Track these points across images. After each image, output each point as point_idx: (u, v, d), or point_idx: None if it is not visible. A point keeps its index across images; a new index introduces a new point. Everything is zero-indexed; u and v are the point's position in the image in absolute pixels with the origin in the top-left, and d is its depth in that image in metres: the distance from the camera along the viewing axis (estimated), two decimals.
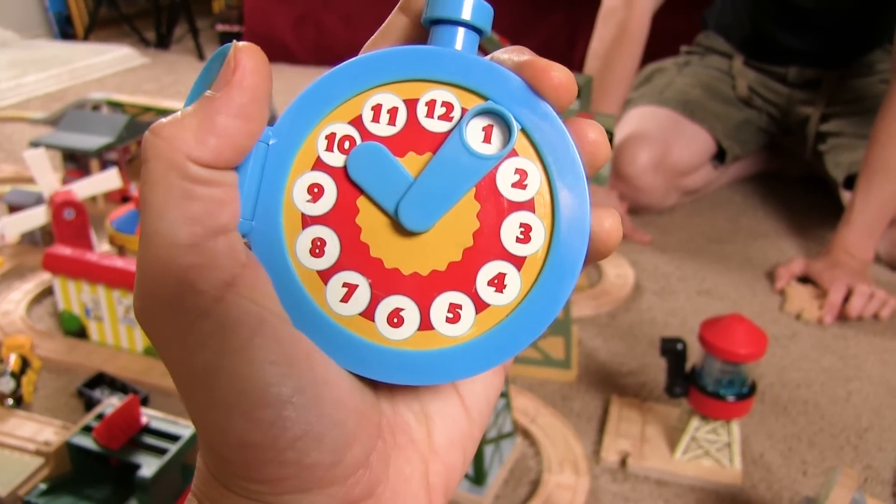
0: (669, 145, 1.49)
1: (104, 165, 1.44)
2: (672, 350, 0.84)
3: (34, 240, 1.29)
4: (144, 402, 0.92)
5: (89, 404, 0.92)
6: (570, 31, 2.42)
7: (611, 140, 0.90)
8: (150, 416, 0.76)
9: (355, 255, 0.22)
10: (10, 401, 0.91)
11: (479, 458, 0.80)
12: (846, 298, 1.21)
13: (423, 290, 0.22)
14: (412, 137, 0.22)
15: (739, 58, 1.63)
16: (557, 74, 0.22)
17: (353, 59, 0.23)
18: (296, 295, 0.22)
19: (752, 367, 0.82)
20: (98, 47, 2.80)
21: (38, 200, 1.25)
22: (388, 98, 0.22)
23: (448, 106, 0.22)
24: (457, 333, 0.22)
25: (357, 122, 0.22)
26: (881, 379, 1.06)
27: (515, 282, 0.22)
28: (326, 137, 0.22)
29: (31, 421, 0.87)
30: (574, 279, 0.22)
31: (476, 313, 0.22)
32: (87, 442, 0.73)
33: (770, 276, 1.33)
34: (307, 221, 0.22)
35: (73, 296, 1.03)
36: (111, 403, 0.78)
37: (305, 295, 0.22)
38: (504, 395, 0.84)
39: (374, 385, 0.23)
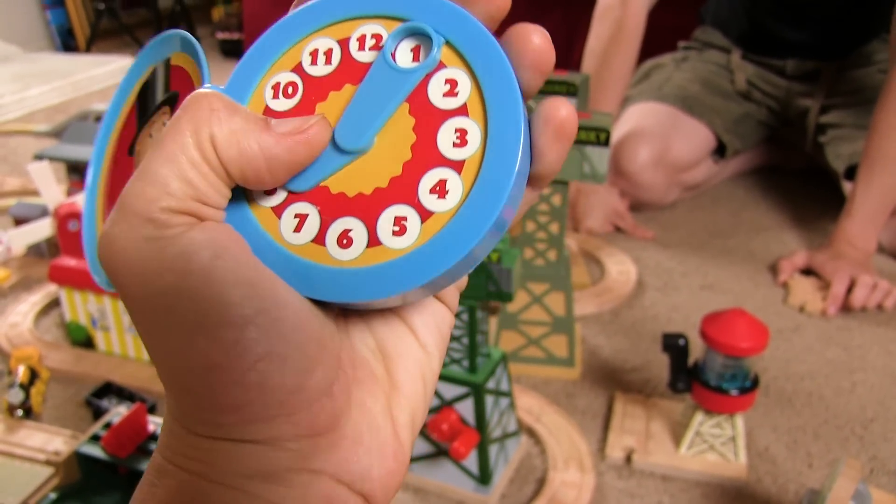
0: (669, 141, 1.49)
1: None
2: (674, 346, 0.85)
3: (40, 252, 1.30)
4: (152, 409, 0.93)
5: (97, 413, 0.93)
6: (568, 30, 2.42)
7: (608, 138, 0.90)
8: (157, 423, 0.77)
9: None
10: (20, 412, 0.92)
11: (484, 458, 0.80)
12: (849, 289, 1.21)
13: (369, 208, 0.23)
14: (347, 71, 0.24)
15: (737, 52, 1.63)
16: (537, 35, 0.23)
17: (288, 13, 0.25)
18: (252, 232, 0.23)
19: (754, 361, 0.82)
20: (100, 59, 2.81)
21: (44, 213, 1.26)
22: (323, 42, 0.24)
23: (377, 37, 0.24)
24: (404, 245, 0.22)
25: (298, 69, 0.24)
26: (886, 369, 1.06)
27: (457, 185, 0.22)
28: (272, 87, 0.24)
29: (40, 431, 0.88)
30: (512, 172, 0.22)
31: (421, 222, 0.22)
32: (96, 451, 0.74)
33: (773, 269, 1.34)
34: None
35: (80, 306, 1.04)
36: (119, 412, 0.79)
37: (260, 229, 0.23)
38: (508, 394, 0.85)
39: (332, 322, 0.24)
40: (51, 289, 1.19)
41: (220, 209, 0.22)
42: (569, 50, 2.41)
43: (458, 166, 0.22)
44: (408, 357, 0.25)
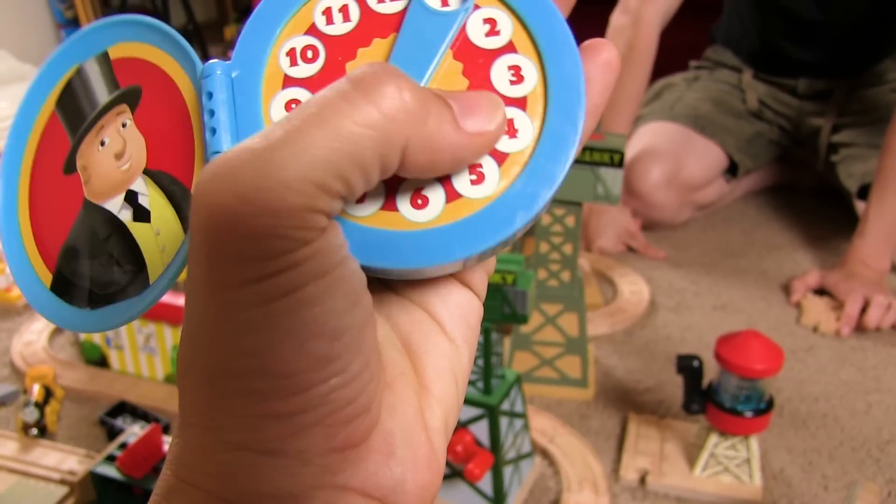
0: (681, 161, 1.49)
1: None
2: (688, 367, 0.84)
3: None
4: (166, 429, 0.93)
5: (111, 433, 0.93)
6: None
7: (622, 160, 0.91)
8: None
9: None
10: (35, 430, 0.92)
11: (498, 479, 0.80)
12: (863, 310, 1.20)
13: None
14: (371, 25, 0.22)
15: (748, 71, 1.63)
16: None
17: None
18: None
19: (769, 382, 0.82)
20: None
21: None
22: None
23: None
24: (488, 192, 0.21)
25: (313, 31, 0.22)
26: None
27: (525, 123, 0.21)
28: (287, 54, 0.22)
29: (55, 450, 0.89)
30: (582, 97, 0.21)
31: (499, 166, 0.21)
32: (111, 471, 0.74)
33: (786, 288, 1.33)
34: None
35: None
36: (134, 432, 0.79)
37: None
38: (522, 415, 0.84)
39: None
40: None
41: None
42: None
43: (520, 103, 0.21)
44: (436, 353, 0.23)
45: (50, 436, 0.94)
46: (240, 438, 0.20)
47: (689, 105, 1.60)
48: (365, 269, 0.20)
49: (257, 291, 0.18)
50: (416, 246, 0.20)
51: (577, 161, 0.93)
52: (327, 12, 0.22)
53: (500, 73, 0.21)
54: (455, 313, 0.24)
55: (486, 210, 0.20)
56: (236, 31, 3.12)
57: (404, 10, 0.22)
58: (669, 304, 1.28)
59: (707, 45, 1.75)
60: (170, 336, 1.00)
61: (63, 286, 0.24)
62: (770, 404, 0.82)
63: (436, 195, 0.21)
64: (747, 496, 0.84)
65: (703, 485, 0.86)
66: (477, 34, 0.22)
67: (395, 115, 0.18)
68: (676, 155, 1.49)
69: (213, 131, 0.21)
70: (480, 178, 0.21)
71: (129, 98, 0.25)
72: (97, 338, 1.05)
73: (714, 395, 0.83)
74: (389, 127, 0.18)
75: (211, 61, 0.22)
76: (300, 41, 0.22)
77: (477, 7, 0.22)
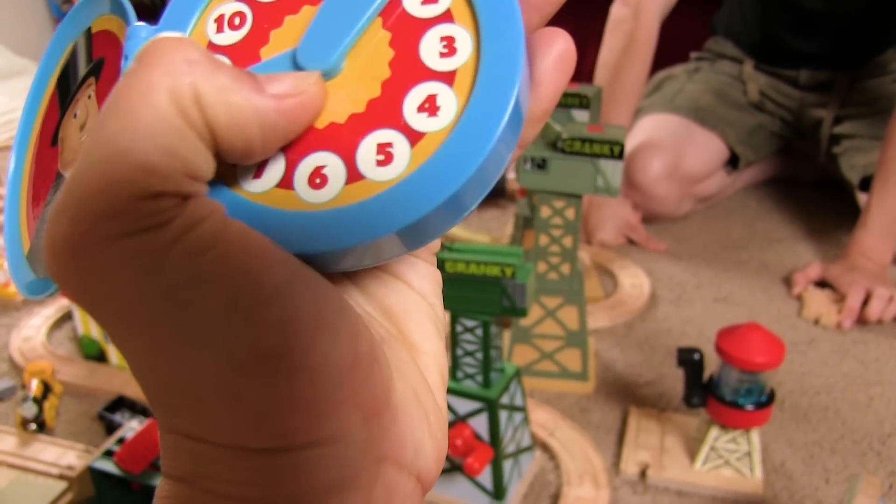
0: (682, 153, 1.49)
1: None
2: (689, 360, 0.84)
3: None
4: None
5: (110, 428, 0.93)
6: (579, 41, 2.40)
7: (622, 151, 0.90)
8: None
9: None
10: (33, 426, 0.92)
11: (498, 473, 0.80)
12: (865, 302, 1.20)
13: (345, 138, 0.19)
14: None
15: (750, 62, 1.62)
16: None
17: None
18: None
19: (770, 375, 0.82)
20: None
21: None
22: None
23: None
24: (393, 175, 0.19)
25: None
26: None
27: (450, 99, 0.19)
28: (215, 21, 0.21)
29: (53, 445, 0.88)
30: (516, 77, 0.19)
31: (411, 147, 0.19)
32: (109, 466, 0.74)
33: (787, 281, 1.33)
34: None
35: (92, 320, 1.04)
36: (132, 427, 0.79)
37: (215, 182, 0.19)
38: (522, 409, 0.84)
39: None
40: (63, 302, 1.20)
41: (206, 183, 0.18)
42: (580, 61, 2.40)
43: (448, 78, 0.19)
44: (415, 311, 0.23)
45: (48, 431, 0.93)
46: (273, 441, 0.18)
47: (689, 97, 1.59)
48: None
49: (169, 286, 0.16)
50: (308, 229, 0.18)
51: (577, 153, 0.93)
52: None
53: (430, 43, 0.19)
54: (421, 272, 0.23)
55: (386, 194, 0.18)
56: None
57: None
58: (670, 296, 1.27)
59: (708, 37, 1.74)
60: None
61: (34, 254, 0.24)
62: (771, 397, 0.82)
63: (336, 175, 0.19)
64: (748, 490, 0.84)
65: (703, 478, 0.85)
66: (413, 2, 0.20)
67: (175, 67, 0.17)
68: (677, 147, 1.49)
69: None
70: (388, 159, 0.19)
71: (95, 70, 0.24)
72: (96, 333, 1.05)
73: (715, 389, 0.83)
74: (171, 82, 0.16)
75: (136, 24, 0.21)
76: (229, 7, 0.21)
77: None
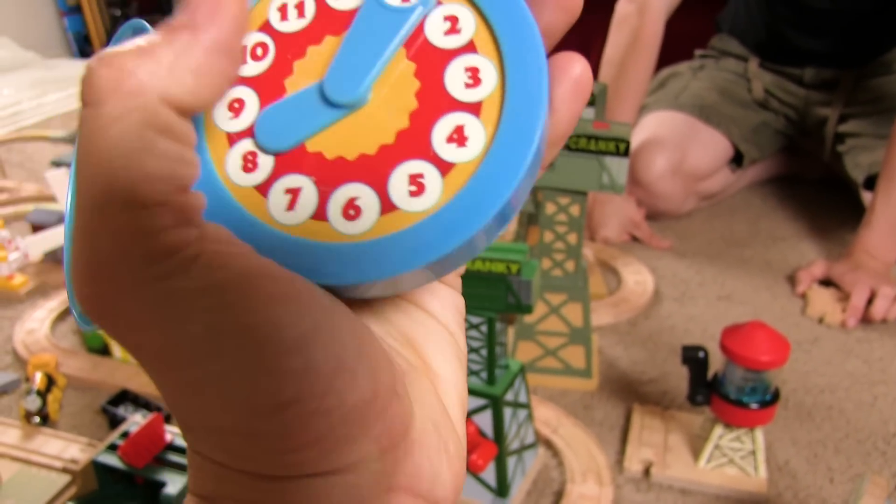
0: (686, 150, 1.49)
1: None
2: (694, 358, 0.84)
3: (57, 258, 1.31)
4: (168, 418, 0.93)
5: (113, 421, 0.93)
6: (583, 38, 2.41)
7: (627, 148, 0.90)
8: (174, 433, 0.77)
9: (291, 157, 0.20)
10: (37, 419, 0.92)
11: (502, 470, 0.79)
12: (869, 301, 1.20)
13: (376, 169, 0.19)
14: (325, 22, 0.21)
15: (754, 60, 1.62)
16: None
17: None
18: (238, 218, 0.20)
19: (774, 374, 0.81)
20: None
21: (60, 219, 1.26)
22: None
23: None
24: (426, 205, 0.19)
25: (266, 28, 0.21)
26: None
27: (477, 130, 0.19)
28: None
29: (57, 438, 0.88)
30: (543, 106, 0.19)
31: (442, 177, 0.19)
32: (113, 460, 0.74)
33: (791, 279, 1.32)
34: (233, 139, 0.20)
35: None
36: (136, 421, 0.79)
37: (246, 214, 0.19)
38: (526, 405, 0.84)
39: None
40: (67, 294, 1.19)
41: (194, 182, 0.18)
42: (586, 57, 2.40)
43: (474, 108, 0.19)
44: (436, 340, 0.23)
45: (52, 424, 0.94)
46: (285, 470, 0.18)
47: (694, 94, 1.59)
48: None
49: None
50: (343, 260, 0.19)
51: (582, 150, 0.92)
52: (283, 8, 0.21)
53: (455, 74, 0.20)
54: (446, 303, 0.23)
55: (422, 225, 0.19)
56: None
57: (361, 5, 0.20)
58: (674, 294, 1.27)
59: (712, 34, 1.73)
60: None
61: None
62: (775, 396, 0.82)
63: (370, 206, 0.19)
64: (752, 488, 0.84)
65: (707, 477, 0.85)
66: (435, 33, 0.20)
67: (126, 82, 0.16)
68: (681, 144, 1.48)
69: None
70: (420, 190, 0.19)
71: None
72: None
73: (719, 387, 0.83)
74: (128, 101, 0.16)
75: (134, 21, 0.21)
76: (252, 38, 0.21)
77: (439, 3, 0.20)
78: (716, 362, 0.85)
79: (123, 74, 0.16)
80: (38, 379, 0.95)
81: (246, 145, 0.20)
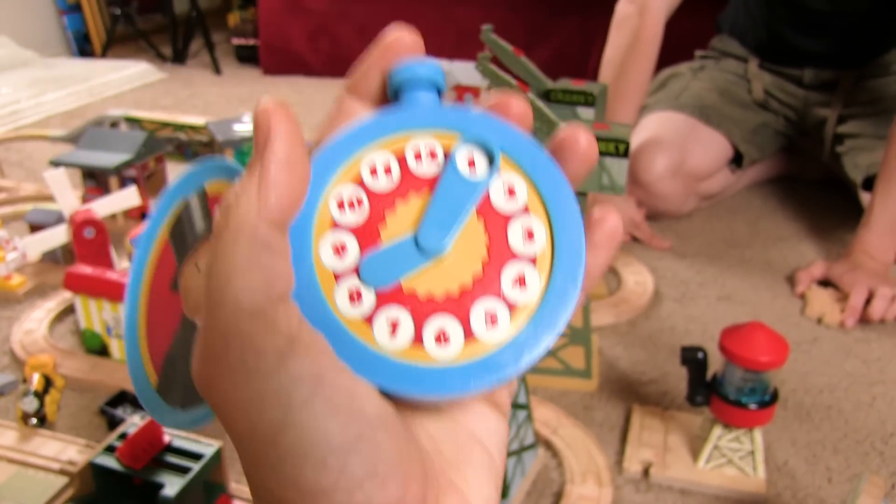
0: (686, 151, 1.48)
1: (123, 182, 1.46)
2: (693, 359, 0.84)
3: (55, 258, 1.30)
4: None
5: (112, 422, 0.92)
6: (584, 38, 2.41)
7: (627, 149, 0.90)
8: (172, 434, 0.77)
9: (390, 293, 0.24)
10: (34, 420, 0.92)
11: None
12: (868, 301, 1.20)
13: (459, 305, 0.24)
14: (410, 183, 0.25)
15: (754, 61, 1.62)
16: (516, 103, 0.26)
17: (342, 130, 0.26)
18: (348, 342, 0.24)
19: (773, 374, 0.81)
20: (116, 64, 2.82)
21: (59, 219, 1.26)
22: (380, 155, 0.26)
23: (432, 150, 0.26)
24: (500, 336, 0.24)
25: (359, 182, 0.25)
26: None
27: (534, 277, 0.24)
28: (336, 202, 0.25)
29: (54, 440, 0.88)
30: (582, 258, 0.25)
31: (510, 313, 0.24)
32: (111, 462, 0.74)
33: (790, 280, 1.32)
34: (339, 276, 0.25)
35: (95, 314, 1.04)
36: (134, 423, 0.79)
37: (357, 340, 0.24)
38: (525, 406, 0.84)
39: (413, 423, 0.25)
40: (66, 295, 1.19)
41: (289, 292, 0.23)
42: (585, 58, 2.41)
43: (532, 260, 0.25)
44: (478, 463, 0.25)
45: (50, 425, 0.93)
46: None
47: (694, 95, 1.59)
48: (395, 394, 0.24)
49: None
50: (437, 379, 0.24)
51: None
52: (372, 167, 0.25)
53: (515, 232, 0.25)
54: (492, 428, 0.26)
55: (499, 352, 0.24)
56: (239, 18, 3.11)
57: (438, 173, 0.25)
58: (674, 294, 1.27)
59: (713, 35, 1.73)
60: None
61: (165, 388, 0.29)
62: (774, 397, 0.82)
63: (456, 335, 0.24)
64: (751, 489, 0.84)
65: (706, 477, 0.85)
66: (498, 197, 0.25)
67: (244, 219, 0.22)
68: (682, 145, 1.48)
69: None
70: (494, 322, 0.24)
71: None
72: (98, 327, 1.04)
73: (718, 387, 0.82)
74: (240, 229, 0.22)
75: None
76: (347, 190, 0.25)
77: (500, 173, 0.25)
78: (715, 363, 0.85)
79: (229, 211, 0.22)
80: (36, 380, 0.95)
81: (351, 282, 0.24)
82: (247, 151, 1.63)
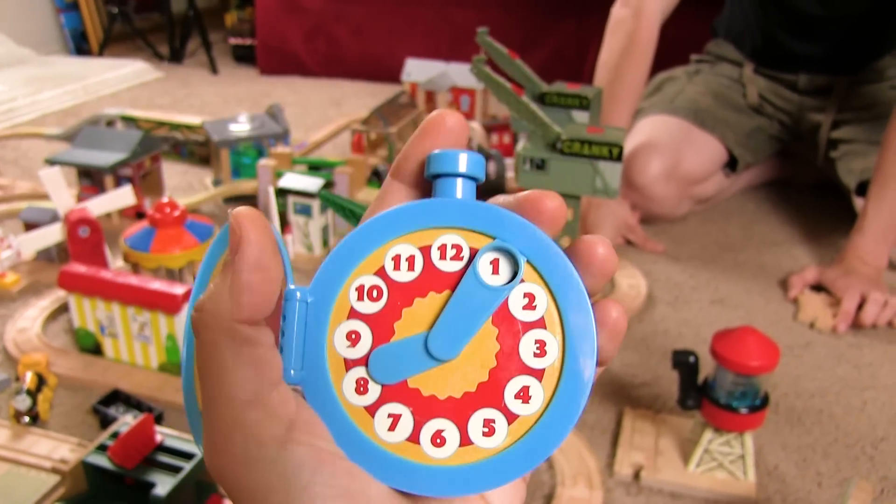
0: (681, 154, 1.49)
1: (118, 181, 1.46)
2: (684, 363, 0.84)
3: (50, 257, 1.30)
4: (159, 419, 0.93)
5: (104, 421, 0.92)
6: (580, 40, 2.42)
7: (621, 153, 0.90)
8: (164, 434, 0.77)
9: (395, 389, 0.25)
10: (27, 418, 0.92)
11: None
12: (860, 306, 1.20)
13: (460, 410, 0.25)
14: (430, 279, 0.25)
15: (749, 66, 1.62)
16: (549, 203, 0.25)
17: (372, 218, 0.26)
18: (348, 430, 0.25)
19: (765, 379, 0.82)
20: (112, 62, 2.82)
21: (54, 218, 1.26)
22: (405, 248, 0.26)
23: (457, 248, 0.25)
24: (494, 445, 0.25)
25: (381, 273, 0.26)
26: None
27: (538, 392, 0.25)
28: (356, 289, 0.26)
29: (47, 438, 0.88)
30: (589, 382, 0.24)
31: (508, 425, 0.25)
32: (103, 461, 0.74)
33: (783, 284, 1.33)
34: (349, 364, 0.25)
35: (89, 313, 1.04)
36: (126, 422, 0.79)
37: (356, 429, 0.25)
38: None
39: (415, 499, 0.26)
40: (60, 293, 1.19)
41: (280, 377, 0.24)
42: (581, 61, 2.41)
43: (538, 374, 0.25)
44: None
45: (42, 424, 0.93)
46: None
47: (689, 99, 1.59)
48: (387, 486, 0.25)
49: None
50: (428, 478, 0.24)
51: (576, 154, 0.93)
52: (396, 258, 0.26)
53: (527, 344, 0.25)
54: (507, 495, 0.27)
55: (491, 460, 0.24)
56: (236, 17, 3.11)
57: (460, 272, 0.25)
58: (667, 298, 1.28)
59: (708, 39, 1.74)
60: (164, 325, 0.99)
61: None
62: (765, 401, 0.82)
63: (452, 438, 0.25)
64: (741, 492, 0.84)
65: (697, 480, 0.85)
66: (516, 305, 0.25)
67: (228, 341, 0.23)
68: (676, 148, 1.49)
69: (282, 349, 0.25)
70: (491, 432, 0.25)
71: None
72: (92, 325, 1.05)
73: (709, 391, 0.83)
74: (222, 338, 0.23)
75: (291, 287, 0.26)
76: (369, 280, 0.26)
77: (522, 280, 0.25)
78: (707, 367, 0.85)
79: (204, 315, 0.23)
80: (29, 378, 0.95)
81: (359, 372, 0.25)
82: (242, 152, 1.63)
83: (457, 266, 0.25)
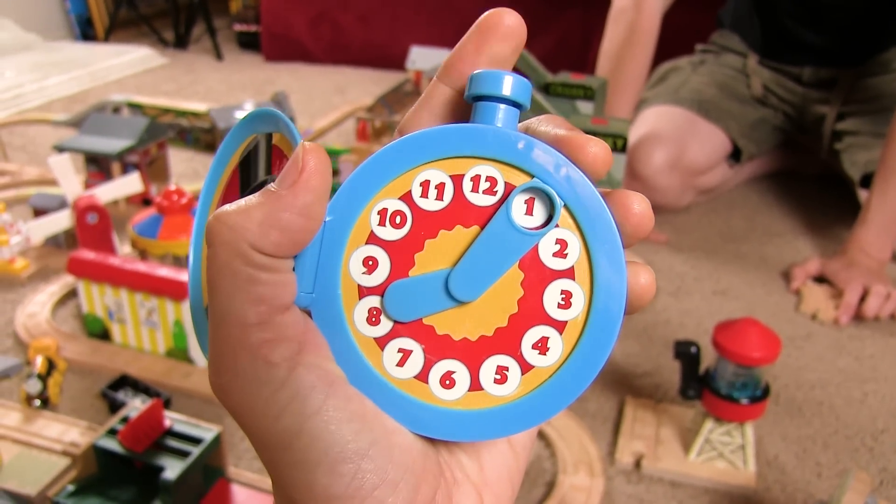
0: (685, 145, 1.49)
1: (125, 168, 1.46)
2: (686, 353, 0.85)
3: (58, 243, 1.32)
4: (167, 404, 0.94)
5: (113, 406, 0.94)
6: (585, 29, 2.42)
7: (625, 145, 0.91)
8: (173, 419, 0.78)
9: (409, 323, 0.24)
10: (38, 402, 0.93)
11: None
12: (862, 298, 1.21)
13: (473, 354, 0.24)
14: (459, 211, 0.24)
15: (754, 57, 1.62)
16: (594, 149, 0.23)
17: (403, 137, 0.24)
18: (354, 360, 0.24)
19: (766, 370, 0.83)
20: (118, 48, 2.82)
21: (62, 204, 1.27)
22: (436, 174, 0.24)
23: (492, 181, 0.24)
24: (504, 393, 0.24)
25: (407, 198, 0.24)
26: None
27: (558, 345, 0.23)
28: (378, 213, 0.24)
29: (57, 422, 0.89)
30: (612, 342, 0.23)
31: (522, 374, 0.24)
32: (113, 445, 0.75)
33: (786, 275, 1.34)
34: (363, 292, 0.24)
35: (97, 299, 1.05)
36: (135, 407, 0.80)
37: (363, 360, 0.24)
38: None
39: None
40: (68, 279, 1.21)
41: (293, 300, 0.22)
42: (586, 50, 2.41)
43: (560, 326, 0.23)
44: (499, 459, 0.26)
45: (52, 407, 0.95)
46: None
47: (693, 89, 1.60)
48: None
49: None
50: (431, 418, 0.24)
51: None
52: (425, 184, 0.24)
53: (552, 294, 0.23)
54: (496, 460, 0.27)
55: (499, 409, 0.24)
56: (241, 4, 3.11)
57: (492, 208, 0.23)
58: (669, 288, 1.28)
59: (714, 29, 1.74)
60: (171, 311, 1.00)
61: None
62: (766, 392, 0.83)
63: (462, 381, 0.24)
64: (741, 482, 0.85)
65: (697, 470, 0.86)
66: (546, 251, 0.23)
67: (229, 239, 0.21)
68: (680, 139, 1.49)
69: (293, 269, 0.23)
70: (503, 380, 0.24)
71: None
72: (100, 311, 1.06)
73: (710, 382, 0.84)
74: (230, 252, 0.21)
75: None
76: (393, 204, 0.24)
77: (556, 225, 0.23)
78: (708, 357, 0.86)
79: (224, 228, 0.21)
80: (39, 362, 0.96)
81: (373, 301, 0.24)
82: None
83: (489, 200, 0.23)
